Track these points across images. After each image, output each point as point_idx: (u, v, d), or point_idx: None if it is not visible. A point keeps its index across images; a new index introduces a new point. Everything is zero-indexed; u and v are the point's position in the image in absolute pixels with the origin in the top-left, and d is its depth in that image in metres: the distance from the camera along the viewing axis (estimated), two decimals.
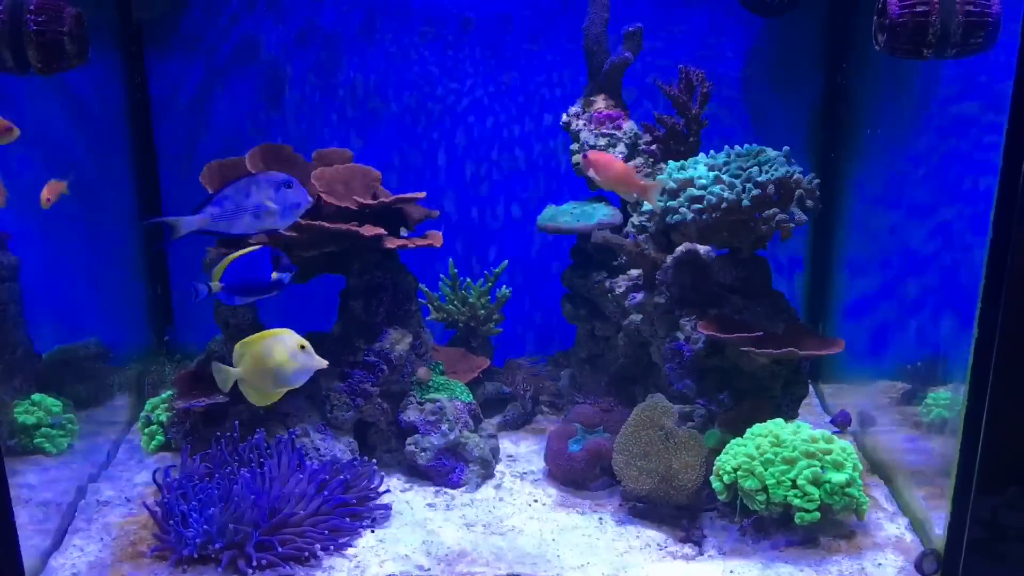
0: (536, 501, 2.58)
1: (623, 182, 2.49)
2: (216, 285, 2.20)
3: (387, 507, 2.48)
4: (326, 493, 2.37)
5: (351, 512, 2.38)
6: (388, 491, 2.55)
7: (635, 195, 2.66)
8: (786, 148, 2.51)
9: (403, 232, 2.67)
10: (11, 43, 2.16)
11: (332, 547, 2.28)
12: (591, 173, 2.48)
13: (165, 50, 3.22)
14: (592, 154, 2.50)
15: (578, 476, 2.63)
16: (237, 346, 2.14)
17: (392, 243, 2.60)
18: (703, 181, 2.44)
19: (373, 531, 2.39)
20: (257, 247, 2.22)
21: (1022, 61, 1.74)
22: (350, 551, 2.29)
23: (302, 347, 2.10)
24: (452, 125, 3.34)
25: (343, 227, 2.47)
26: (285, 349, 2.09)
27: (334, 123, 3.31)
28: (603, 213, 2.88)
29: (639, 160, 2.88)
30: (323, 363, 2.11)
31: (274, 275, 2.19)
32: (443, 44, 3.26)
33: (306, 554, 2.23)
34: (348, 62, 3.26)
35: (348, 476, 2.45)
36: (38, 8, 2.17)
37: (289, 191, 2.21)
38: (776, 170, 2.43)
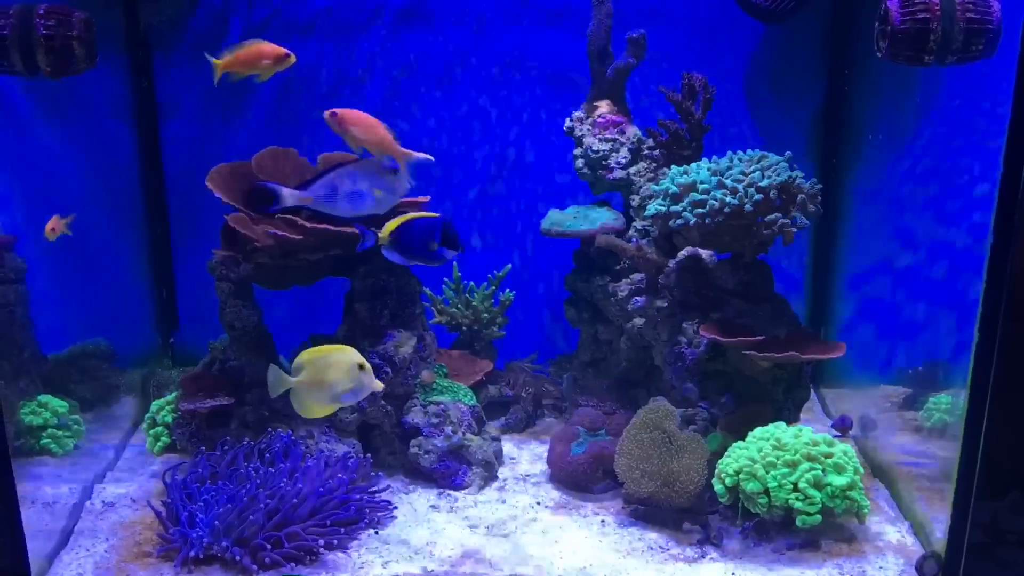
0: (539, 503, 2.59)
1: (380, 144, 2.38)
2: (384, 238, 2.21)
3: (388, 504, 2.50)
4: (322, 490, 2.38)
5: (354, 511, 2.39)
6: (389, 487, 2.56)
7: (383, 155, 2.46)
8: (788, 153, 2.52)
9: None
10: (21, 47, 2.19)
11: (335, 544, 2.29)
12: (353, 131, 2.36)
13: (172, 54, 3.23)
14: (346, 112, 2.38)
15: (580, 479, 2.64)
16: (299, 356, 2.13)
17: None
18: (706, 186, 2.46)
19: (376, 532, 2.40)
20: (435, 215, 2.21)
21: (1022, 67, 1.75)
22: (353, 552, 2.30)
23: (361, 367, 2.08)
24: (456, 129, 3.35)
25: (349, 230, 2.48)
26: (344, 366, 2.09)
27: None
28: (606, 217, 2.89)
29: (642, 165, 2.89)
30: (379, 386, 2.10)
31: (434, 246, 2.18)
32: (448, 46, 3.27)
33: (309, 554, 2.24)
34: (355, 65, 3.27)
35: (349, 475, 2.46)
36: (48, 12, 2.19)
37: (392, 178, 2.23)
38: (778, 175, 2.44)
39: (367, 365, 2.09)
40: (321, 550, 2.26)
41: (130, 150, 3.26)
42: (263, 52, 2.36)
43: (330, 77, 3.28)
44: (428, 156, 2.38)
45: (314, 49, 3.24)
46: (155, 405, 2.90)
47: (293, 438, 2.55)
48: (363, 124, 2.36)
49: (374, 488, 2.53)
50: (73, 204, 2.94)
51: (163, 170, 3.34)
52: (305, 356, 2.14)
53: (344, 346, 2.13)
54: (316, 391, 2.12)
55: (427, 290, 3.06)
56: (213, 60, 2.32)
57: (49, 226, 2.62)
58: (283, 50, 2.36)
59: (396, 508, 2.52)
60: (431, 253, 2.19)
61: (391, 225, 2.21)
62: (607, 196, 3.01)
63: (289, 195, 2.28)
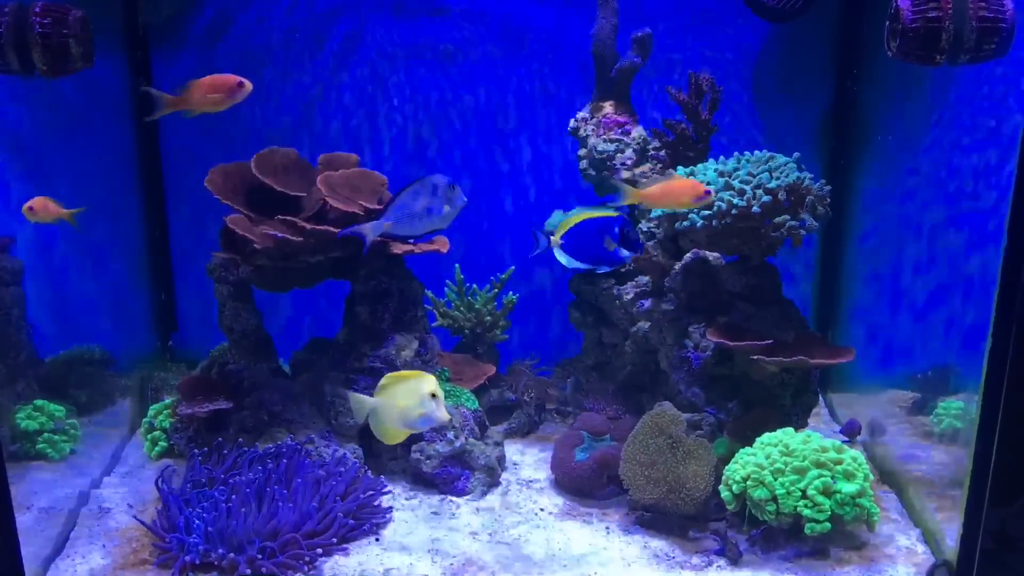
0: (542, 510, 2.56)
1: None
2: (556, 240, 2.20)
3: (388, 511, 2.47)
4: (324, 492, 2.36)
5: (353, 519, 2.36)
6: (388, 491, 2.53)
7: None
8: (796, 154, 2.49)
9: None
10: (16, 46, 2.16)
11: (334, 553, 2.26)
12: None
13: (171, 53, 3.21)
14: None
15: (585, 485, 2.60)
16: (384, 379, 2.11)
17: (398, 249, 2.59)
18: (713, 187, 2.42)
19: (378, 539, 2.37)
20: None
21: None
22: (353, 558, 2.27)
23: (433, 395, 2.05)
24: (459, 129, 3.32)
25: (348, 232, 2.45)
26: (417, 393, 2.05)
27: (340, 127, 3.30)
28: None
29: (648, 166, 2.86)
30: (445, 417, 2.06)
31: (612, 245, 2.16)
32: (450, 47, 3.24)
33: (307, 560, 2.21)
34: (355, 65, 3.24)
35: (342, 482, 2.43)
36: (44, 11, 2.16)
37: (455, 192, 2.29)
38: (787, 176, 2.41)
39: (439, 394, 2.05)
40: (319, 556, 2.23)
41: (128, 150, 3.24)
42: (214, 85, 2.30)
43: (335, 75, 3.25)
44: None
45: (314, 44, 3.21)
46: (153, 409, 2.87)
47: (293, 445, 2.52)
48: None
49: (373, 492, 2.49)
50: (71, 205, 2.91)
51: (162, 171, 3.31)
52: (385, 380, 2.11)
53: (424, 374, 2.09)
54: (389, 415, 2.09)
55: (429, 293, 3.03)
56: (164, 97, 2.27)
57: (29, 204, 2.50)
58: (234, 80, 2.28)
59: (392, 511, 2.48)
60: (608, 254, 2.16)
61: (564, 226, 2.20)
62: (612, 197, 2.98)
63: (372, 230, 2.32)
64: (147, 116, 2.32)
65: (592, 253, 2.17)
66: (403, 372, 2.12)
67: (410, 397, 2.06)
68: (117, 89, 3.16)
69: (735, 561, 2.26)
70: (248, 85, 2.25)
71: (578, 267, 2.24)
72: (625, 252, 2.13)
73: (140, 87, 2.35)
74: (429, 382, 2.06)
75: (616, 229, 2.12)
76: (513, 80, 3.27)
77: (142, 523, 2.34)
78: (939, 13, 2.04)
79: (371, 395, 2.12)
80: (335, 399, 2.63)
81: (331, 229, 2.44)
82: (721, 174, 2.45)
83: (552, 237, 2.17)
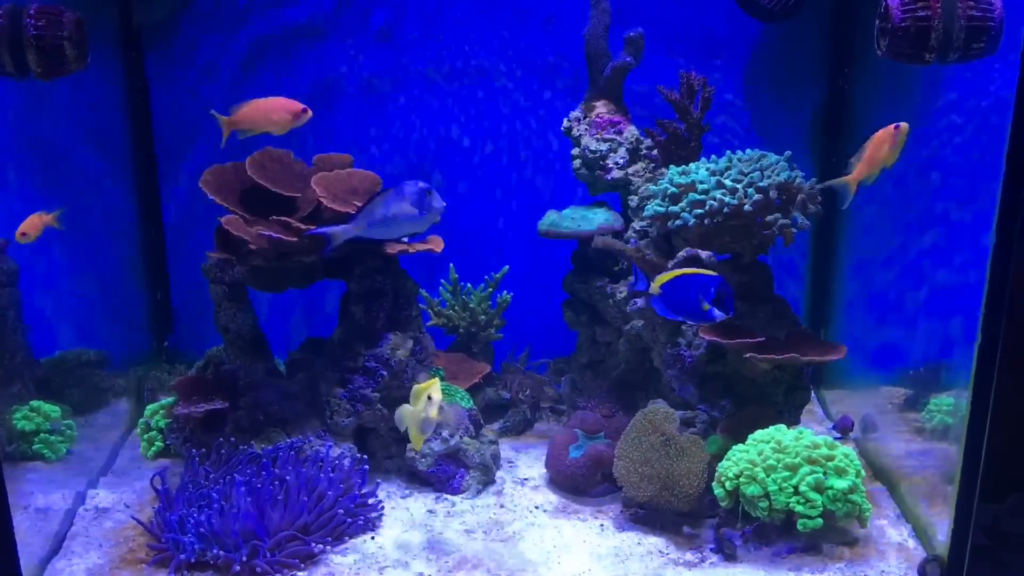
0: (537, 507, 2.57)
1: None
2: (655, 290, 2.22)
3: (379, 507, 2.49)
4: (319, 491, 2.36)
5: (349, 517, 2.37)
6: (379, 485, 2.54)
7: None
8: (788, 153, 2.50)
9: (403, 238, 2.67)
10: (11, 47, 2.16)
11: (329, 551, 2.27)
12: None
13: (166, 55, 3.21)
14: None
15: (579, 482, 2.62)
16: (415, 387, 2.18)
17: (393, 248, 2.60)
18: (705, 186, 2.43)
19: (373, 537, 2.38)
20: (711, 274, 2.22)
21: None
22: (349, 556, 2.28)
23: (429, 397, 2.12)
24: (453, 129, 3.33)
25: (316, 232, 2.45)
26: (423, 397, 2.13)
27: (334, 127, 3.30)
28: (604, 218, 2.87)
29: (640, 165, 2.87)
30: (432, 414, 2.12)
31: (706, 306, 2.19)
32: (443, 47, 3.25)
33: (302, 558, 2.22)
34: (347, 66, 3.25)
35: (338, 481, 2.44)
36: (38, 13, 2.16)
37: (430, 198, 2.29)
38: (778, 175, 2.42)
39: (435, 395, 2.12)
40: (315, 550, 2.24)
41: (123, 152, 3.24)
42: (276, 108, 2.31)
43: (328, 77, 3.26)
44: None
45: (311, 48, 3.22)
46: (149, 409, 2.88)
47: (287, 444, 2.53)
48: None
49: (364, 491, 2.50)
50: (67, 205, 2.92)
51: (156, 171, 3.32)
52: (415, 389, 2.18)
53: (436, 380, 2.16)
54: (410, 421, 2.17)
55: (424, 292, 3.04)
56: (220, 118, 2.29)
57: (21, 229, 2.55)
58: (299, 106, 2.34)
59: (387, 509, 2.49)
60: (700, 312, 2.19)
61: (664, 277, 2.22)
62: (605, 197, 2.99)
63: (340, 232, 2.31)
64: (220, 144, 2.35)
65: (686, 309, 2.21)
66: (426, 384, 2.17)
67: (418, 402, 2.13)
68: (111, 90, 3.17)
69: (731, 558, 2.27)
70: (310, 112, 2.33)
71: (671, 316, 2.28)
72: (718, 312, 2.17)
73: (209, 112, 2.37)
74: (429, 386, 2.13)
75: (712, 290, 2.16)
76: (507, 78, 3.28)
77: (139, 522, 2.35)
78: (928, 12, 2.05)
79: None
80: (330, 399, 2.64)
81: (325, 229, 2.44)
82: (713, 172, 2.47)
83: (652, 285, 2.21)
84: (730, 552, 2.27)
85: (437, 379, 2.17)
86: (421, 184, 2.30)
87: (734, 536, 2.29)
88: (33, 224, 2.56)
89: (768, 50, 3.20)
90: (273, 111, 2.29)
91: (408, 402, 2.16)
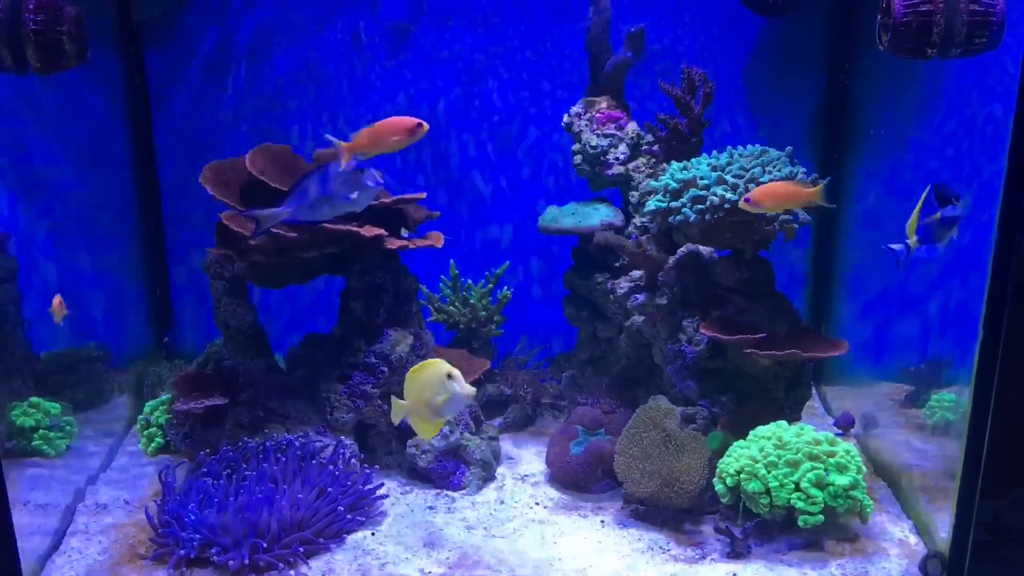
0: (537, 503, 2.57)
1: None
2: (914, 241, 2.17)
3: (379, 503, 2.49)
4: (320, 486, 2.36)
5: (349, 513, 2.37)
6: (382, 484, 2.54)
7: None
8: (789, 148, 2.49)
9: (404, 233, 2.66)
10: (10, 43, 2.15)
11: (330, 546, 2.27)
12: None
13: (165, 50, 3.21)
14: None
15: (580, 478, 2.61)
16: (407, 376, 2.10)
17: (393, 244, 2.59)
18: (706, 181, 2.43)
19: (374, 533, 2.38)
20: (956, 203, 2.16)
21: None
22: (349, 552, 2.27)
23: (449, 376, 2.03)
24: (454, 126, 3.32)
25: (343, 228, 2.45)
26: (435, 380, 2.04)
27: (334, 124, 3.30)
28: (604, 214, 2.87)
29: (641, 161, 2.87)
30: (471, 391, 2.05)
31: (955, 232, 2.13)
32: (443, 43, 3.25)
33: (302, 553, 2.22)
34: (353, 61, 3.24)
35: (338, 476, 2.44)
36: (37, 7, 2.15)
37: (363, 176, 2.23)
38: (779, 170, 2.41)
39: (455, 373, 2.04)
40: (316, 551, 2.24)
41: (122, 147, 3.24)
42: (395, 128, 2.29)
43: (328, 71, 3.26)
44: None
45: (311, 42, 3.22)
46: (149, 406, 2.88)
47: (288, 440, 2.52)
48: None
49: (368, 486, 2.50)
50: (66, 202, 2.92)
51: (156, 167, 3.32)
52: (406, 380, 2.10)
53: (433, 360, 2.08)
54: (421, 411, 2.09)
55: (424, 288, 3.04)
56: (340, 144, 2.27)
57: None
58: (414, 122, 2.26)
59: (388, 504, 2.49)
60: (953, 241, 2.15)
61: (910, 226, 2.17)
62: (606, 192, 2.99)
63: (269, 216, 2.26)
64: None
65: (944, 236, 2.17)
66: (417, 366, 2.10)
67: (430, 387, 2.05)
68: (111, 86, 3.16)
69: (739, 555, 2.26)
70: (426, 125, 2.25)
71: (937, 252, 2.19)
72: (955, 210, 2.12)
73: (326, 134, 2.35)
74: (441, 365, 2.05)
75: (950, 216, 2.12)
76: (508, 74, 3.27)
77: (146, 514, 2.34)
78: (930, 7, 2.04)
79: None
80: (330, 395, 2.63)
81: (326, 225, 2.44)
82: (714, 168, 2.46)
83: (908, 240, 2.16)
84: (740, 550, 2.26)
85: (436, 361, 2.08)
86: (352, 164, 2.24)
87: (736, 532, 2.28)
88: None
89: (769, 45, 3.19)
90: (390, 132, 2.25)
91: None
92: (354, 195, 2.24)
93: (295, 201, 2.25)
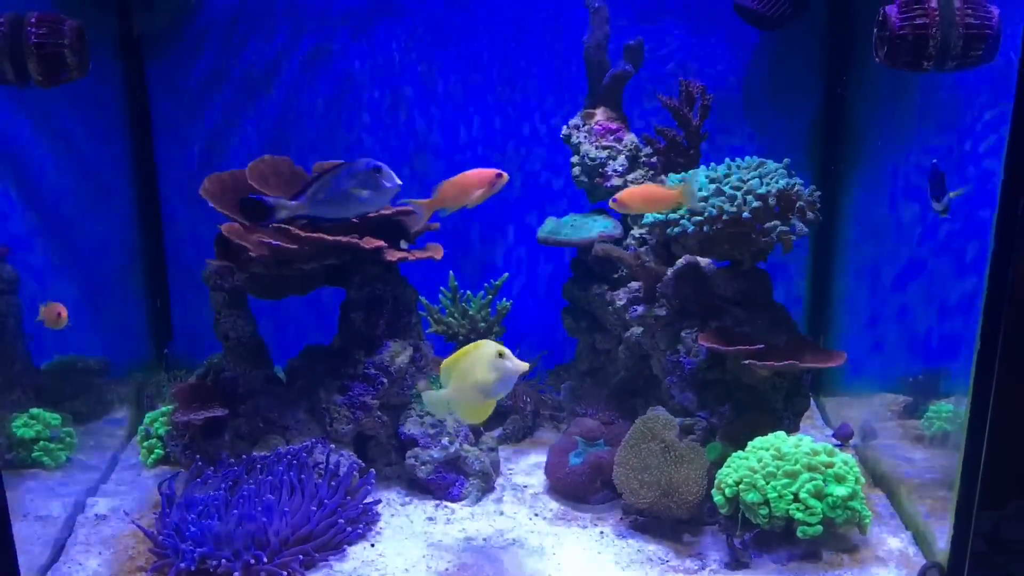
0: (537, 515, 2.57)
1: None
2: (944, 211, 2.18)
3: (378, 515, 2.50)
4: (319, 497, 2.36)
5: (349, 525, 2.37)
6: (379, 501, 2.54)
7: None
8: (786, 160, 2.50)
9: (403, 245, 2.67)
10: (11, 55, 2.16)
11: (329, 558, 2.27)
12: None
13: (165, 63, 3.22)
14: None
15: (579, 489, 2.62)
16: (442, 367, 2.07)
17: (393, 256, 2.60)
18: (704, 193, 2.44)
19: (373, 544, 2.38)
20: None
21: (1023, 72, 1.73)
22: (349, 563, 2.28)
23: (500, 355, 2.00)
24: (453, 138, 3.34)
25: (343, 239, 2.46)
26: (485, 360, 2.01)
27: (335, 135, 3.31)
28: (603, 226, 2.87)
29: (640, 172, 2.88)
30: (524, 366, 2.02)
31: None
32: (445, 55, 3.27)
33: (303, 564, 2.22)
34: (349, 74, 3.26)
35: (338, 487, 2.44)
36: (39, 20, 2.17)
37: (380, 176, 2.23)
38: (777, 182, 2.42)
39: (505, 351, 2.01)
40: (315, 563, 2.24)
41: (123, 159, 3.25)
42: (477, 181, 2.30)
43: (328, 83, 3.27)
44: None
45: (311, 54, 3.23)
46: (148, 417, 2.88)
47: (288, 451, 2.52)
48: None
49: (368, 498, 2.50)
50: (66, 214, 2.92)
51: (156, 179, 3.33)
52: (446, 364, 2.06)
53: (479, 341, 2.05)
54: (469, 395, 2.04)
55: (423, 299, 3.04)
56: (420, 203, 2.29)
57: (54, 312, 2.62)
58: (492, 173, 2.31)
59: (385, 516, 2.49)
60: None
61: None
62: (604, 204, 3.00)
63: (283, 206, 2.27)
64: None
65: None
66: (458, 352, 2.05)
67: (481, 369, 2.01)
68: (112, 99, 3.17)
69: (743, 565, 2.26)
70: (505, 176, 2.30)
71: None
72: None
73: (401, 201, 2.39)
74: (490, 345, 2.02)
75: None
76: (510, 84, 3.29)
77: (141, 528, 2.34)
78: (926, 20, 2.06)
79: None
80: (330, 406, 2.64)
81: (326, 237, 2.45)
82: (712, 180, 2.47)
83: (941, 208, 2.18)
84: (744, 559, 2.26)
85: (481, 342, 2.03)
86: (372, 162, 2.23)
87: (736, 543, 2.28)
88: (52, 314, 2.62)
89: (766, 57, 3.21)
90: (471, 186, 2.29)
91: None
92: (370, 194, 2.24)
93: (312, 196, 2.23)
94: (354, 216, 2.34)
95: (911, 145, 2.78)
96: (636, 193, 2.41)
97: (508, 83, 3.29)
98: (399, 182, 2.26)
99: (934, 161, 2.26)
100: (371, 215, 2.54)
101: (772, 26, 2.99)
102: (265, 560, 2.17)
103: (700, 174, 2.52)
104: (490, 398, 2.06)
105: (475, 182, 2.29)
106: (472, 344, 2.05)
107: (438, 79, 3.29)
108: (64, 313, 2.62)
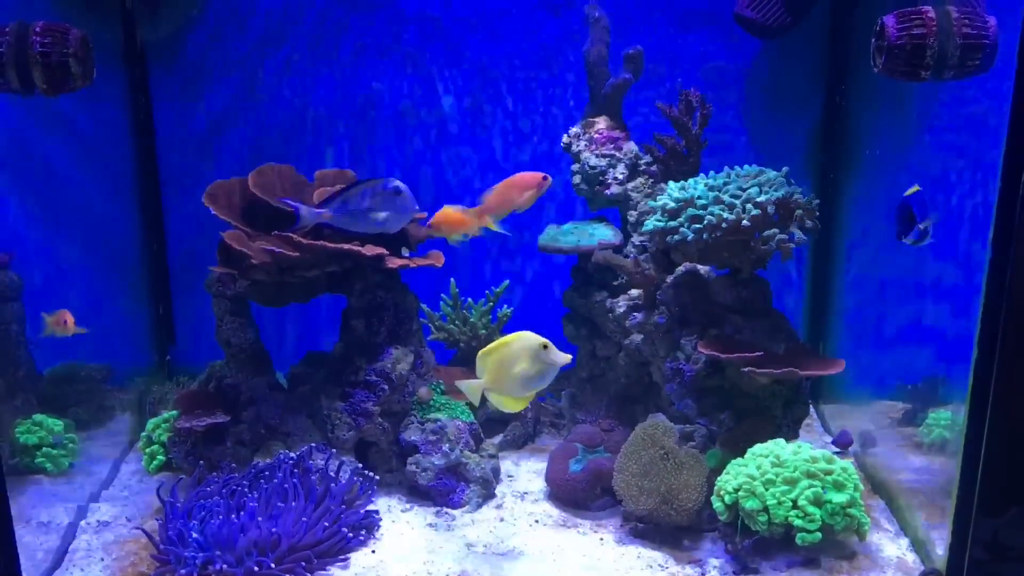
0: (537, 521, 2.58)
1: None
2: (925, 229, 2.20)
3: (379, 521, 2.51)
4: (321, 503, 2.37)
5: (350, 531, 2.38)
6: (378, 513, 2.54)
7: None
8: (785, 168, 2.52)
9: (404, 252, 2.68)
10: (17, 64, 2.18)
11: (331, 564, 2.28)
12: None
13: (170, 71, 3.24)
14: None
15: (579, 496, 2.62)
16: (479, 355, 2.06)
17: (393, 263, 2.61)
18: (703, 201, 2.45)
19: (374, 551, 2.39)
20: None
21: (1020, 82, 1.75)
22: (350, 570, 2.28)
23: (544, 347, 2.00)
24: (456, 145, 3.35)
25: (345, 247, 2.48)
26: (527, 352, 2.00)
27: (336, 143, 3.32)
28: (603, 234, 2.89)
29: (640, 180, 2.89)
30: (566, 358, 2.02)
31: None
32: (446, 64, 3.28)
33: (305, 569, 2.23)
34: (353, 82, 3.27)
35: (339, 494, 2.45)
36: (44, 30, 2.18)
37: (399, 199, 2.29)
38: (776, 190, 2.44)
39: (549, 344, 2.01)
40: (317, 570, 2.25)
41: (127, 167, 3.26)
42: (523, 184, 2.36)
43: (329, 93, 3.29)
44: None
45: (311, 64, 3.25)
46: (151, 423, 2.89)
47: (289, 457, 2.53)
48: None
49: (368, 505, 2.51)
50: (71, 221, 2.94)
51: (159, 186, 3.34)
52: (483, 353, 2.05)
53: (520, 332, 2.03)
54: (508, 385, 2.03)
55: (424, 306, 3.06)
56: (470, 211, 2.33)
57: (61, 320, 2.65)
58: (539, 176, 2.37)
59: (386, 523, 2.50)
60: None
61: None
62: (604, 212, 3.01)
63: (309, 213, 2.33)
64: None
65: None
66: (497, 342, 2.04)
67: (523, 360, 2.01)
68: (115, 106, 3.19)
69: (752, 571, 2.27)
70: (550, 179, 2.39)
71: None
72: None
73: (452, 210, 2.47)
74: (532, 337, 2.01)
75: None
76: (509, 94, 3.31)
77: (145, 533, 2.35)
78: (923, 30, 2.07)
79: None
80: (331, 412, 2.65)
81: (327, 244, 2.46)
82: (711, 188, 2.49)
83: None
84: (754, 566, 2.27)
85: (523, 333, 2.02)
86: (392, 182, 2.28)
87: (743, 546, 2.29)
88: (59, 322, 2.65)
89: (765, 66, 3.22)
90: (520, 189, 2.35)
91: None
92: (388, 216, 2.29)
93: (334, 207, 2.31)
94: (369, 232, 2.39)
95: (910, 153, 2.79)
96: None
97: (511, 92, 3.31)
98: (417, 207, 2.30)
99: (906, 194, 2.27)
100: None
101: (771, 35, 3.01)
102: (272, 565, 2.18)
103: (699, 182, 2.54)
104: (529, 390, 2.05)
105: (524, 185, 2.34)
106: (513, 334, 2.03)
107: (438, 84, 3.30)
108: (71, 320, 2.64)
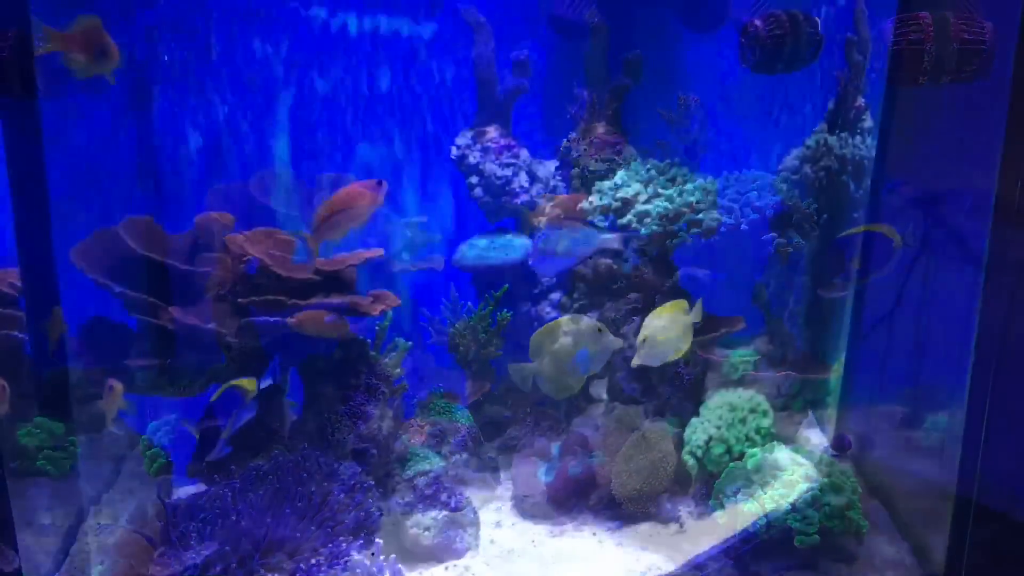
0: (536, 525, 2.58)
1: None
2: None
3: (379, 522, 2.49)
4: (322, 506, 2.38)
5: (352, 534, 2.38)
6: (380, 515, 2.55)
7: None
8: (784, 173, 2.52)
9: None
10: (20, 70, 2.18)
11: (333, 567, 2.28)
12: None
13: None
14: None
15: (575, 499, 2.63)
16: (533, 339, 2.04)
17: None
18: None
19: (373, 554, 2.38)
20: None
21: (1017, 87, 1.76)
22: (351, 573, 2.29)
23: (599, 330, 1.99)
24: (447, 153, 3.35)
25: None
26: (583, 336, 2.00)
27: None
28: (522, 243, 2.88)
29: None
30: (619, 343, 2.02)
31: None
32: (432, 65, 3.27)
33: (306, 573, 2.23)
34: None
35: (339, 496, 2.45)
36: None
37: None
38: (774, 195, 2.45)
39: (604, 327, 2.01)
40: (318, 573, 2.25)
41: (127, 170, 3.26)
42: (353, 197, 2.16)
43: (322, 97, 3.29)
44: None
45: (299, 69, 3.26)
46: (151, 426, 2.89)
47: (291, 459, 2.54)
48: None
49: (369, 506, 2.51)
50: (71, 224, 2.94)
51: (162, 192, 3.34)
52: (536, 337, 2.04)
53: (575, 317, 2.03)
54: (558, 369, 2.04)
55: (424, 311, 3.06)
56: (307, 235, 2.19)
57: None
58: (372, 183, 2.14)
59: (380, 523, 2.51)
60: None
61: None
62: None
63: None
64: None
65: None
66: (549, 325, 2.03)
67: (581, 341, 2.02)
68: (117, 109, 3.19)
69: None
70: (385, 184, 2.15)
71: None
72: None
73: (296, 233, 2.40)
74: (586, 320, 2.01)
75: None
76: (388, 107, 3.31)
77: (145, 536, 2.35)
78: (920, 36, 2.08)
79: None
80: (331, 416, 2.65)
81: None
82: (709, 192, 2.49)
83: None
84: (755, 569, 2.29)
85: (577, 317, 2.02)
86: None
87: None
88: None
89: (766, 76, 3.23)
90: (351, 201, 2.12)
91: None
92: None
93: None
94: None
95: (909, 158, 2.80)
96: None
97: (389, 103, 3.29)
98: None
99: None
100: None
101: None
102: (269, 568, 2.19)
103: (697, 187, 2.54)
104: (581, 375, 2.05)
105: (357, 198, 2.12)
106: (566, 318, 2.03)
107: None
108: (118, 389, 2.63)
